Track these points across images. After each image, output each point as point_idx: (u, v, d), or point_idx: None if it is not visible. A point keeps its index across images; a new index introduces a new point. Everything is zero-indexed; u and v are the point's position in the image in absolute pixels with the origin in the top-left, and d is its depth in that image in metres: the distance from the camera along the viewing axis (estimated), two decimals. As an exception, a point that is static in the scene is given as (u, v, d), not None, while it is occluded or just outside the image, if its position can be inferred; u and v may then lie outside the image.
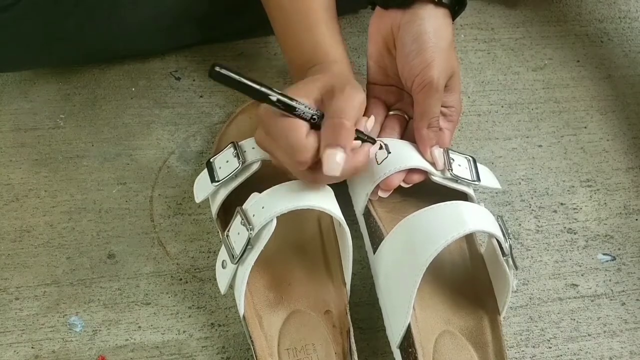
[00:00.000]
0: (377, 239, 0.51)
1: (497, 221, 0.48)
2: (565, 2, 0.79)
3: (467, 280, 0.52)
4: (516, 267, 0.49)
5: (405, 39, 0.50)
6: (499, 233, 0.47)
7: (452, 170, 0.51)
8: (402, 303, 0.47)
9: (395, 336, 0.48)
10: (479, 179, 0.52)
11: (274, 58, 0.69)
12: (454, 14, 0.53)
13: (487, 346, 0.49)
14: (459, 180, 0.51)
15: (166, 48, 0.67)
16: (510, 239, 0.49)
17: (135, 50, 0.66)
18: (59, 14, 0.57)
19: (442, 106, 0.51)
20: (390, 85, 0.54)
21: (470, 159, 0.53)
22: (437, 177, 0.50)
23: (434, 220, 0.47)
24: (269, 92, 0.44)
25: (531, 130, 0.67)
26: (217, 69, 0.41)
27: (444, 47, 0.50)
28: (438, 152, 0.50)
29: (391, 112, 0.54)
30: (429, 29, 0.49)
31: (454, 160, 0.51)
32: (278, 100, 0.44)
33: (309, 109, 0.45)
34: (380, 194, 0.51)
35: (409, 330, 0.47)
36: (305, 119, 0.45)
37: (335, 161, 0.44)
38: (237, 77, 0.42)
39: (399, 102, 0.55)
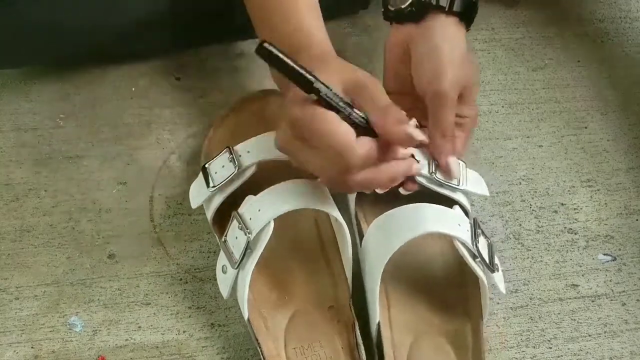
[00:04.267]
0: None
1: (470, 222, 0.48)
2: (566, 2, 0.78)
3: (453, 284, 0.52)
4: (492, 270, 0.48)
5: (419, 52, 0.51)
6: (461, 235, 0.47)
7: (435, 174, 0.50)
8: (371, 304, 0.48)
9: (372, 335, 0.49)
10: (465, 184, 0.51)
11: (274, 58, 0.69)
12: (468, 21, 0.52)
13: (467, 350, 0.49)
14: (444, 185, 0.51)
15: (166, 47, 0.67)
16: (485, 238, 0.49)
17: (135, 50, 0.66)
18: (57, 10, 0.57)
19: (456, 116, 0.51)
20: (405, 93, 0.54)
21: (460, 163, 0.53)
22: (422, 179, 0.50)
23: (394, 222, 0.48)
24: (313, 79, 0.40)
25: (531, 130, 0.67)
26: (267, 45, 0.38)
27: (457, 57, 0.50)
28: (452, 161, 0.50)
29: None
30: (441, 42, 0.50)
31: None
32: (321, 89, 0.40)
33: (349, 104, 0.42)
34: (378, 190, 0.51)
35: (378, 330, 0.48)
36: (343, 114, 0.41)
37: (419, 135, 0.42)
38: (284, 57, 0.39)
39: (412, 110, 0.54)
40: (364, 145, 0.42)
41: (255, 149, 0.51)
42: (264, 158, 0.51)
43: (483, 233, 0.49)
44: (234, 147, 0.52)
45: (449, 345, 0.49)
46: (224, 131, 0.59)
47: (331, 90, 0.41)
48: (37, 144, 0.61)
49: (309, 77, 0.40)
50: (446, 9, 0.51)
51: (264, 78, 0.67)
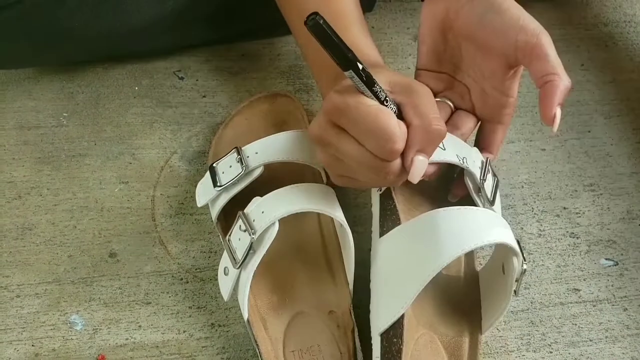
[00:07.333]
0: (390, 222, 0.49)
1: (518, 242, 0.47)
2: (570, 5, 0.78)
3: (459, 292, 0.52)
4: (516, 293, 0.47)
5: (477, 12, 0.47)
6: (514, 245, 0.45)
7: (485, 180, 0.49)
8: (402, 295, 0.45)
9: (380, 322, 0.47)
10: (493, 203, 0.50)
11: (277, 59, 0.69)
12: None
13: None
14: (480, 193, 0.49)
15: (169, 48, 0.67)
16: (526, 262, 0.48)
17: (138, 49, 0.66)
18: (63, 12, 0.57)
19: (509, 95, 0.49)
20: (442, 72, 0.52)
21: (496, 179, 0.52)
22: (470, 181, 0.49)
23: (466, 221, 0.46)
24: (356, 59, 0.39)
25: (534, 134, 0.66)
26: (318, 18, 0.37)
27: (520, 8, 0.47)
28: (558, 112, 0.46)
29: (437, 99, 0.51)
30: None
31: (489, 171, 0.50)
32: (363, 69, 0.39)
33: (386, 93, 0.41)
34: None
35: (399, 322, 0.46)
36: (381, 103, 0.41)
37: (423, 168, 0.41)
38: (333, 33, 0.38)
39: (448, 91, 0.52)
40: (405, 132, 0.41)
41: (264, 151, 0.51)
42: (272, 160, 0.51)
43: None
44: (242, 148, 0.52)
45: (445, 352, 0.49)
46: (232, 131, 0.59)
47: (370, 74, 0.40)
48: (39, 142, 0.61)
49: (350, 55, 0.39)
50: None
51: (265, 79, 0.67)
